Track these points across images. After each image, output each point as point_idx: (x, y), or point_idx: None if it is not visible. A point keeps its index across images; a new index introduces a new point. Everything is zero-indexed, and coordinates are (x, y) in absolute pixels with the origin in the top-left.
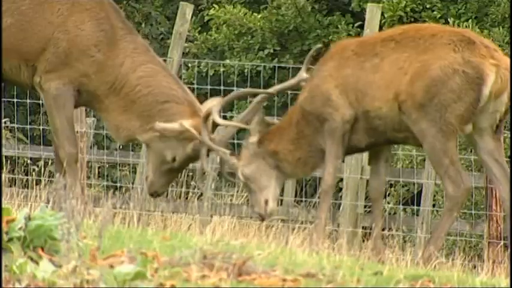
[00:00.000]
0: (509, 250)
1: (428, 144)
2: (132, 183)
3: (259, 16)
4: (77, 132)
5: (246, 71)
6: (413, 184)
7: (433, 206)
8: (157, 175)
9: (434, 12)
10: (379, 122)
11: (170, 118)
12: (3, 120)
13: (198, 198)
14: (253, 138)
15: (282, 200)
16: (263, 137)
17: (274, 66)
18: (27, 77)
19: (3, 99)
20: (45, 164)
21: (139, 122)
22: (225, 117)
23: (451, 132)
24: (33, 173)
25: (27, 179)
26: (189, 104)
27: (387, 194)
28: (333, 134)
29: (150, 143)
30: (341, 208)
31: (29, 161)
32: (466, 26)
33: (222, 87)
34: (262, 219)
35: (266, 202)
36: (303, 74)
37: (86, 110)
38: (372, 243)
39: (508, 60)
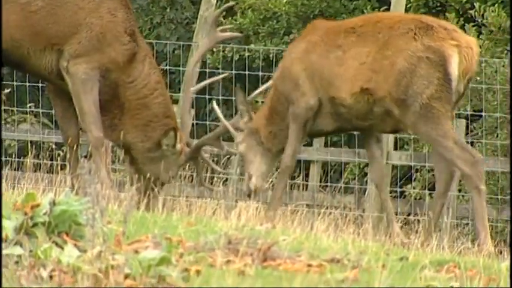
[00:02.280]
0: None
1: (424, 136)
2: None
3: (285, 1)
4: None
5: (271, 55)
6: None
7: (459, 191)
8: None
9: None
10: (344, 109)
11: (166, 133)
12: (28, 105)
13: (223, 183)
14: (244, 118)
15: (307, 185)
16: (252, 116)
17: None
18: (49, 61)
19: (28, 83)
20: None
21: (142, 132)
22: None
23: (440, 116)
24: (58, 158)
25: (52, 164)
26: (174, 116)
27: (413, 179)
28: (295, 119)
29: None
30: (366, 193)
31: (53, 146)
32: (492, 11)
33: (246, 72)
34: (248, 196)
35: (250, 178)
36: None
37: None
38: (387, 229)
39: (469, 38)
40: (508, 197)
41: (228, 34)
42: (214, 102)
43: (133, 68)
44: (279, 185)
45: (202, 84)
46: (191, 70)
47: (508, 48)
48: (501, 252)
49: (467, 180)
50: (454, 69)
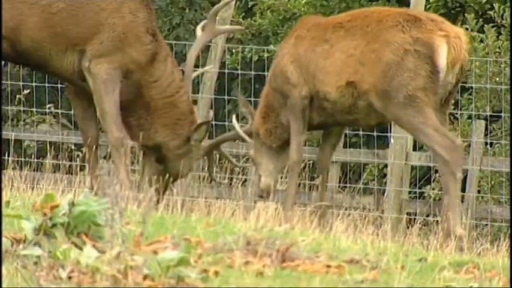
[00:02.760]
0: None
1: (405, 125)
2: None
3: (304, 1)
4: None
5: None
6: None
7: (478, 192)
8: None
9: None
10: (327, 104)
11: (197, 128)
12: (47, 106)
13: (242, 184)
14: (250, 120)
15: (326, 186)
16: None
17: None
18: (70, 62)
19: (47, 84)
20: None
21: (172, 130)
22: None
23: (423, 105)
24: (77, 159)
25: (71, 164)
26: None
27: (432, 180)
28: (293, 110)
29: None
30: (385, 194)
31: (73, 147)
32: None
33: (266, 73)
34: (260, 196)
35: (259, 179)
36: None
37: None
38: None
39: (457, 28)
40: None
41: (228, 27)
42: (234, 117)
43: (156, 67)
44: (291, 182)
45: (199, 71)
46: (191, 64)
47: None
48: None
49: (445, 165)
50: (443, 60)
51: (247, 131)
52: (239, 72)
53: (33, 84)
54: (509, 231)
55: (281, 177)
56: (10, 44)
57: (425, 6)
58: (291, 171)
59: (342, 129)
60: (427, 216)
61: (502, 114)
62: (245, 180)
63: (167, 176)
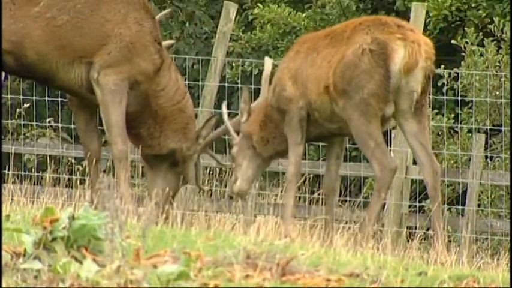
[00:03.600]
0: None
1: (353, 128)
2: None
3: (304, 15)
4: None
5: None
6: (458, 184)
7: (478, 205)
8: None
9: (480, 11)
10: (317, 114)
11: (205, 123)
12: (47, 120)
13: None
14: (243, 118)
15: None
16: (249, 117)
17: None
18: (78, 74)
19: (47, 98)
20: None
21: (183, 134)
22: None
23: (373, 115)
24: (77, 173)
25: (71, 178)
26: None
27: None
28: (290, 123)
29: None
30: (385, 208)
31: (73, 161)
32: None
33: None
34: (231, 198)
35: (235, 181)
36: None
37: None
38: (325, 233)
39: (421, 36)
40: None
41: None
42: (224, 102)
43: (162, 76)
44: (289, 194)
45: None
46: None
47: None
48: None
49: (376, 182)
50: (396, 64)
51: (235, 125)
52: (239, 85)
53: (34, 98)
54: (509, 245)
55: (281, 191)
56: (15, 58)
57: (426, 20)
58: (289, 184)
59: (343, 142)
60: (427, 230)
61: (502, 128)
62: None
63: (167, 189)
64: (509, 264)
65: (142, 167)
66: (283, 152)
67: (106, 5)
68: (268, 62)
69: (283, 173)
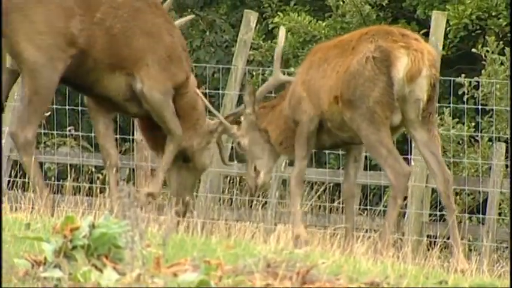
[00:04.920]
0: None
1: (364, 138)
2: (196, 192)
3: (324, 24)
4: (141, 140)
5: None
6: (479, 192)
7: (499, 214)
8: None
9: (500, 20)
10: (330, 123)
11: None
12: (68, 128)
13: (262, 207)
14: (248, 109)
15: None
16: (259, 110)
17: None
18: (118, 84)
19: (67, 106)
20: None
21: (194, 130)
22: None
23: (380, 122)
24: (98, 181)
25: (91, 187)
26: None
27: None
28: (299, 136)
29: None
30: (406, 217)
31: (93, 169)
32: None
33: None
34: (253, 192)
35: (258, 174)
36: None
37: None
38: (346, 242)
39: (425, 45)
40: None
41: (182, 20)
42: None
43: (182, 79)
44: (294, 204)
45: None
46: None
47: None
48: None
49: (391, 189)
50: (399, 71)
51: (236, 116)
52: None
53: (54, 106)
54: None
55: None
56: (76, 65)
57: (446, 28)
58: (293, 194)
59: (361, 147)
60: (448, 238)
61: None
62: (265, 202)
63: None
64: None
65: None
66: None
67: (143, 15)
68: (282, 32)
69: (303, 182)
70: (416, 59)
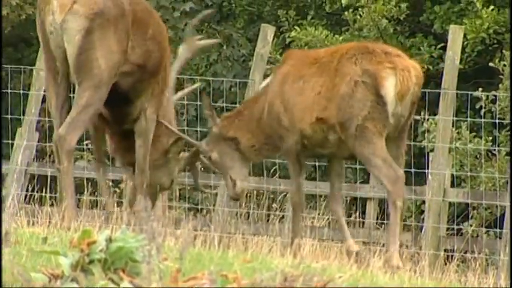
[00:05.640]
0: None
1: (358, 155)
2: (213, 206)
3: (341, 38)
4: None
5: None
6: (496, 207)
7: None
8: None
9: None
10: (307, 141)
11: (175, 142)
12: (85, 142)
13: (279, 221)
14: (212, 123)
15: (363, 223)
16: (222, 121)
17: None
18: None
19: None
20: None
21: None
22: None
23: (372, 135)
24: (115, 195)
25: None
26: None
27: (470, 216)
28: (288, 154)
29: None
30: (423, 231)
31: (110, 183)
32: None
33: None
34: (236, 200)
35: (234, 183)
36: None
37: None
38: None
39: (410, 62)
40: None
41: (207, 41)
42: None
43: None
44: (295, 221)
45: (180, 94)
46: (173, 78)
47: None
48: None
49: (388, 195)
50: (388, 91)
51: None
52: None
53: None
54: None
55: (318, 214)
56: (133, 81)
57: (463, 42)
58: (294, 213)
59: (341, 162)
60: (465, 252)
61: None
62: (282, 216)
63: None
64: None
65: (180, 190)
66: (273, 155)
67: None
68: None
69: (320, 196)
70: (404, 78)
